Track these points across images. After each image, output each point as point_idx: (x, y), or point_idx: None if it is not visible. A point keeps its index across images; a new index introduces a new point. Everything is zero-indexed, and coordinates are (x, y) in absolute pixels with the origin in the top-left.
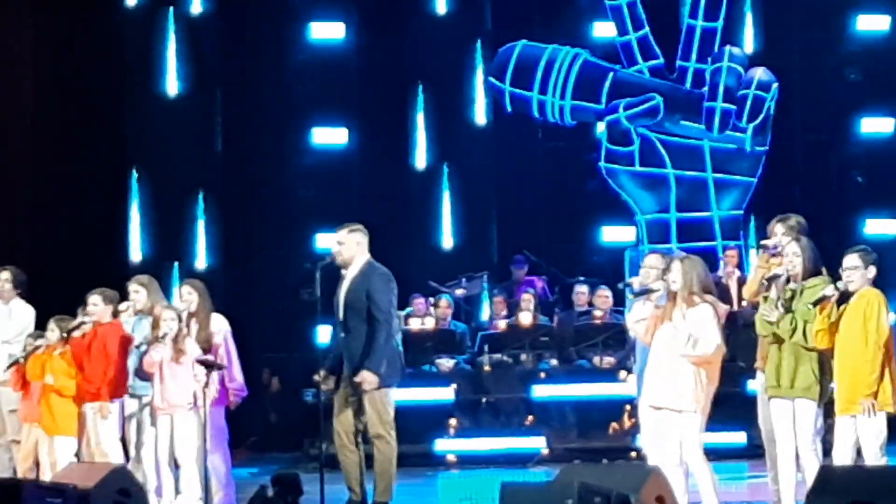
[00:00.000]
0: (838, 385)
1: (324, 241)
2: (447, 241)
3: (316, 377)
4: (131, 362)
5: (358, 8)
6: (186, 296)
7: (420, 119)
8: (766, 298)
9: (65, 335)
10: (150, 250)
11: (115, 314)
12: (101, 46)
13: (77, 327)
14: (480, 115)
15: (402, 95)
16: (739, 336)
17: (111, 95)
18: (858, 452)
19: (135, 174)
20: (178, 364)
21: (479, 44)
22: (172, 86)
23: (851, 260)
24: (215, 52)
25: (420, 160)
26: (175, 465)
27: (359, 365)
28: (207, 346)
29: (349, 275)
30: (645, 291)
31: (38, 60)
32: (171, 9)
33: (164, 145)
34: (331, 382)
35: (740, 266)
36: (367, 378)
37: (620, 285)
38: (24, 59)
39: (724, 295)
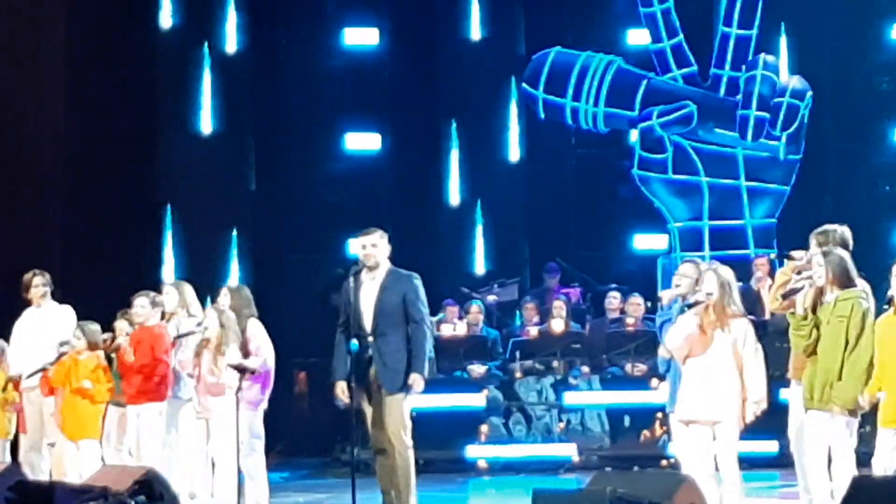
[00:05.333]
0: (888, 396)
1: (356, 246)
2: (479, 269)
3: (339, 391)
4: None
5: (391, 16)
6: (223, 301)
7: (454, 155)
8: (792, 314)
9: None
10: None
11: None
12: (136, 85)
13: (116, 348)
14: (514, 151)
15: (435, 123)
16: (770, 345)
17: (146, 133)
18: None
19: (169, 210)
20: (216, 369)
21: (513, 79)
22: (206, 124)
23: None
24: (249, 82)
25: (453, 196)
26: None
27: (398, 368)
28: (244, 352)
29: (377, 279)
30: (695, 304)
31: (71, 98)
32: (206, 46)
33: (197, 182)
34: (346, 396)
35: (771, 274)
36: (417, 381)
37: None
38: (58, 96)
39: (755, 303)
